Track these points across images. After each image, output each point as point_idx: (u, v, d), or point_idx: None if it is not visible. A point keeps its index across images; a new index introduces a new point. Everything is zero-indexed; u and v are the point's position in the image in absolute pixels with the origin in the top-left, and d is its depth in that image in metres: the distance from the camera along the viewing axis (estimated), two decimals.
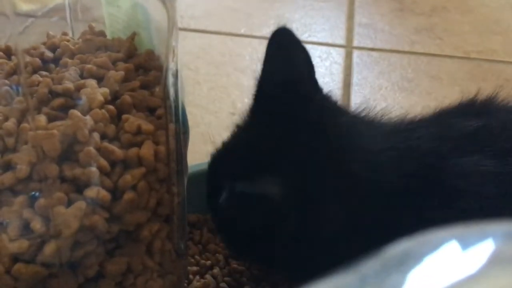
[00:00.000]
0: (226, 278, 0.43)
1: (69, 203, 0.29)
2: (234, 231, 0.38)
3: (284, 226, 0.34)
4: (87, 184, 0.29)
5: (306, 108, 0.36)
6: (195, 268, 0.44)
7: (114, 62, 0.34)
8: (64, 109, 0.30)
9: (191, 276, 0.43)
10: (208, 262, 0.44)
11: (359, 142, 0.36)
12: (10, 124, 0.30)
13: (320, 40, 0.80)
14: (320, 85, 0.39)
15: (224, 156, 0.39)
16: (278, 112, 0.36)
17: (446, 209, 0.31)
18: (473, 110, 0.38)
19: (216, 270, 0.44)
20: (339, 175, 0.34)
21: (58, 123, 0.30)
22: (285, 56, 0.37)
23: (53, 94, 0.31)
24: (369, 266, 0.16)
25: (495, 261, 0.15)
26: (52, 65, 0.34)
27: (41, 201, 0.29)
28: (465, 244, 0.16)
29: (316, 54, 0.76)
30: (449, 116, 0.39)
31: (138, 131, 0.32)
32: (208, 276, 0.43)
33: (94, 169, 0.29)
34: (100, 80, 0.33)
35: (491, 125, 0.35)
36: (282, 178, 0.33)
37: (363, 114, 0.39)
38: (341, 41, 0.80)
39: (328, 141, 0.35)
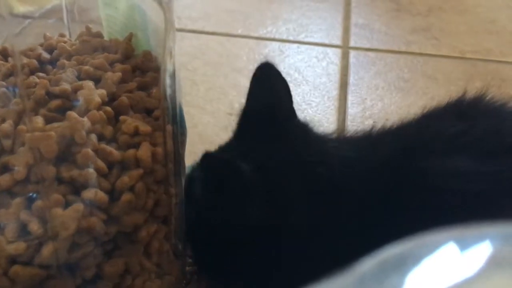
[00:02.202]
0: None
1: (67, 205, 0.29)
2: (205, 240, 0.38)
3: (251, 211, 0.34)
4: (84, 186, 0.29)
5: (282, 127, 0.39)
6: (193, 268, 0.44)
7: (111, 64, 0.34)
8: (61, 111, 0.30)
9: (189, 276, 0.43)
10: None
11: (335, 152, 0.37)
12: (7, 125, 0.30)
13: (317, 41, 0.80)
14: (296, 113, 0.41)
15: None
16: (257, 130, 0.38)
17: (426, 207, 0.32)
18: (460, 110, 0.39)
19: None
20: (309, 178, 0.35)
21: (55, 124, 0.30)
22: (268, 86, 0.40)
23: (50, 95, 0.31)
24: (368, 267, 0.16)
25: (493, 263, 0.16)
26: (49, 67, 0.34)
27: (39, 203, 0.29)
28: (463, 246, 0.16)
29: (313, 55, 0.76)
30: (434, 118, 0.39)
31: (136, 132, 0.31)
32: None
33: (91, 170, 0.29)
34: (97, 81, 0.33)
35: (475, 128, 0.36)
36: (252, 162, 0.34)
37: (337, 134, 0.41)
38: (338, 41, 0.80)
39: (302, 148, 0.37)
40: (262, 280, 0.36)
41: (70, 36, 0.38)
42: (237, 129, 0.40)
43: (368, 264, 0.16)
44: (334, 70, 0.73)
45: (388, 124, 0.40)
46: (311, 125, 0.41)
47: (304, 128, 0.40)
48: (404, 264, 0.16)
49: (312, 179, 0.35)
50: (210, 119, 0.62)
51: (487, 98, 0.39)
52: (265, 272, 0.35)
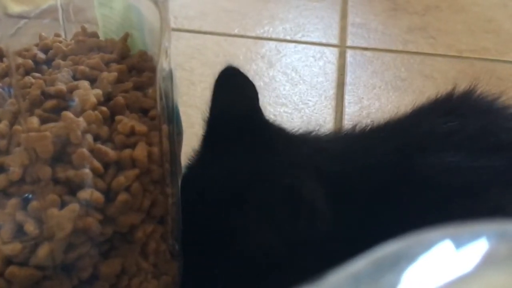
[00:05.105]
0: None
1: (63, 205, 0.29)
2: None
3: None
4: (80, 186, 0.29)
5: (261, 130, 0.38)
6: None
7: (107, 63, 0.34)
8: (57, 111, 0.30)
9: None
10: None
11: (319, 149, 0.37)
12: (2, 126, 0.30)
13: (314, 40, 0.80)
14: (265, 115, 0.40)
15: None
16: (233, 139, 0.37)
17: (419, 202, 0.32)
18: (449, 106, 0.39)
19: None
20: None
21: (50, 125, 0.30)
22: (234, 89, 0.39)
23: (46, 95, 0.31)
24: (363, 266, 0.16)
25: (488, 261, 0.16)
26: (44, 67, 0.34)
27: (34, 204, 0.29)
28: (459, 243, 0.16)
29: (310, 54, 0.76)
30: (424, 114, 0.39)
31: (132, 132, 0.31)
32: None
33: (87, 170, 0.29)
34: (93, 81, 0.32)
35: (467, 125, 0.36)
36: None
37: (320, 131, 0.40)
38: (335, 40, 0.80)
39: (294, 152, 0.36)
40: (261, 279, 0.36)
41: (65, 36, 0.38)
42: (208, 140, 0.39)
43: (363, 262, 0.16)
44: (331, 69, 0.73)
45: (378, 121, 0.40)
46: (284, 127, 0.40)
47: (282, 132, 0.39)
48: (399, 263, 0.16)
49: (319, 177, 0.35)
50: None
51: (477, 93, 0.40)
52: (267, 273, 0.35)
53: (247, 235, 0.33)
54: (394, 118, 0.39)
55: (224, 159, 0.37)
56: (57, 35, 0.38)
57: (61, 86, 0.31)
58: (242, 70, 0.39)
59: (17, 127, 0.30)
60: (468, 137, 0.35)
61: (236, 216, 0.33)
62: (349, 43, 0.79)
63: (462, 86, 0.41)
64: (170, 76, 0.34)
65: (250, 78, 0.39)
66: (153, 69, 0.33)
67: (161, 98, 0.33)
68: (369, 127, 0.39)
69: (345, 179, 0.35)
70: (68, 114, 0.30)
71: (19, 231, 0.29)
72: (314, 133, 0.40)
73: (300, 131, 0.40)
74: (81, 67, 0.33)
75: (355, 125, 0.40)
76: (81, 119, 0.30)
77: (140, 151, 0.31)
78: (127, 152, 0.31)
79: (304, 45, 0.78)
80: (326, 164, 0.35)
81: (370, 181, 0.34)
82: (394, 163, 0.34)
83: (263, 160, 0.36)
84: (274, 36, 0.80)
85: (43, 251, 0.29)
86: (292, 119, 0.63)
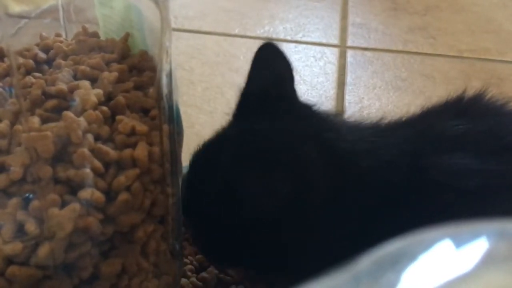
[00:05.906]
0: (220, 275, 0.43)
1: (63, 205, 0.29)
2: (224, 234, 0.37)
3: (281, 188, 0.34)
4: (81, 186, 0.29)
5: (290, 108, 0.39)
6: (190, 267, 0.44)
7: (108, 63, 0.34)
8: (58, 111, 0.30)
9: (189, 273, 0.43)
10: (205, 263, 0.44)
11: (342, 139, 0.37)
12: (3, 126, 0.30)
13: (314, 40, 0.80)
14: (297, 94, 0.41)
15: (212, 156, 0.39)
16: (259, 111, 0.38)
17: (427, 203, 0.32)
18: (460, 108, 0.39)
19: (211, 268, 0.44)
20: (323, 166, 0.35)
21: (51, 124, 0.30)
22: (270, 66, 0.40)
23: (46, 95, 0.31)
24: (363, 265, 0.16)
25: (488, 260, 0.16)
26: (45, 67, 0.34)
27: (35, 203, 0.29)
28: (459, 242, 0.16)
29: (310, 54, 0.76)
30: (434, 116, 0.39)
31: (132, 132, 0.31)
32: (204, 274, 0.43)
33: (88, 170, 0.29)
34: (93, 81, 0.32)
35: (477, 128, 0.36)
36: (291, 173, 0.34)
37: (342, 117, 0.41)
38: (335, 40, 0.80)
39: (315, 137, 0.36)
40: (275, 263, 0.36)
41: (66, 36, 0.38)
42: (237, 111, 0.40)
43: (364, 261, 0.16)
44: (332, 69, 0.73)
45: (389, 121, 0.40)
46: (315, 106, 0.40)
47: (309, 108, 0.40)
48: (400, 262, 0.16)
49: (330, 170, 0.35)
50: (207, 118, 0.62)
51: (487, 97, 0.40)
52: (279, 256, 0.35)
53: (247, 197, 0.34)
54: (404, 119, 0.39)
55: (243, 127, 0.38)
56: (58, 35, 0.38)
57: (62, 86, 0.31)
58: (279, 47, 0.40)
59: (18, 126, 0.30)
60: (478, 140, 0.35)
61: (238, 176, 0.35)
62: (349, 43, 0.79)
63: (462, 86, 0.41)
64: (170, 75, 0.34)
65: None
66: (153, 69, 0.33)
67: (161, 98, 0.33)
68: (382, 125, 0.39)
69: (353, 177, 0.35)
70: (69, 114, 0.30)
71: (19, 231, 0.29)
72: (339, 117, 0.40)
73: (330, 112, 0.40)
74: (82, 67, 0.33)
75: (380, 118, 0.40)
76: (81, 118, 0.30)
77: (141, 151, 0.31)
78: (127, 151, 0.31)
79: (304, 45, 0.78)
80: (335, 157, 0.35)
81: (379, 180, 0.34)
82: (404, 163, 0.34)
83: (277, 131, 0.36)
84: (274, 36, 0.80)
85: (43, 250, 0.29)
86: None
